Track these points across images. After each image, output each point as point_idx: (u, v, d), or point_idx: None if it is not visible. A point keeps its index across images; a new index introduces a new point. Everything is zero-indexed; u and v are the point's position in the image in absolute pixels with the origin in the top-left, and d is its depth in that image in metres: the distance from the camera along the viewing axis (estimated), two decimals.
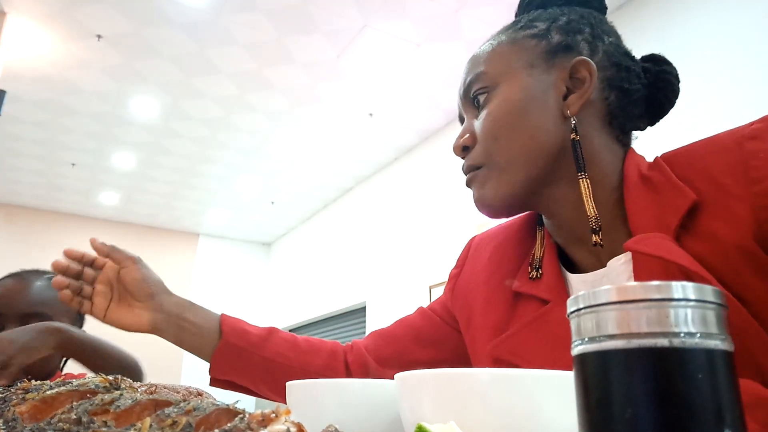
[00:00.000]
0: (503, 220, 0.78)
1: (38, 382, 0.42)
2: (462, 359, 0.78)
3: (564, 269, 0.67)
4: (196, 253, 7.40)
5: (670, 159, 0.61)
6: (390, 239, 5.19)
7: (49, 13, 3.43)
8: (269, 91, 4.21)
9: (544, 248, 0.69)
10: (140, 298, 0.76)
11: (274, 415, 0.29)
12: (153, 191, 6.16)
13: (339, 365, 0.81)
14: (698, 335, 0.25)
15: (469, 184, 0.69)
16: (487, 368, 0.41)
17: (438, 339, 0.81)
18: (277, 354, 0.78)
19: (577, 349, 0.27)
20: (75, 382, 0.40)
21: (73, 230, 6.75)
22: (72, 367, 1.16)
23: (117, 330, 0.77)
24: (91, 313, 0.77)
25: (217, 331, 0.77)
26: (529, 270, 0.69)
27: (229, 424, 0.30)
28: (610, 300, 0.26)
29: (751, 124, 0.57)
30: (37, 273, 1.21)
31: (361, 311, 5.56)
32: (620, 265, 0.61)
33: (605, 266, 0.62)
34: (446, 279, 0.84)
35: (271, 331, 0.80)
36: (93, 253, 0.78)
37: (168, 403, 0.35)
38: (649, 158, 0.64)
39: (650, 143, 0.81)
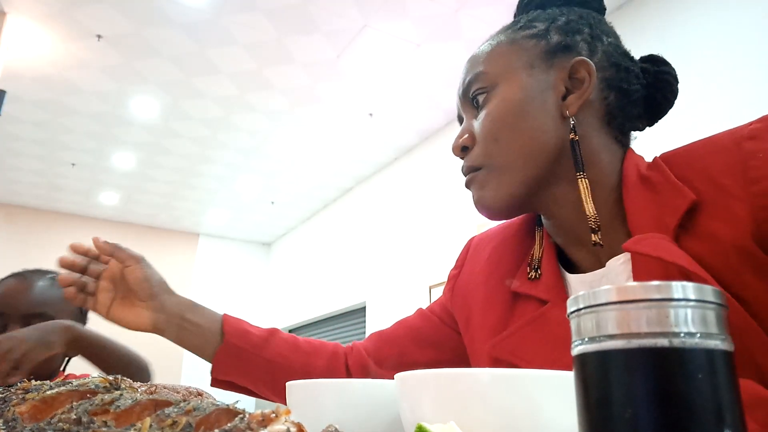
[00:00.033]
0: (503, 221, 0.78)
1: (38, 382, 0.42)
2: (461, 360, 0.78)
3: (563, 269, 0.67)
4: (196, 253, 7.40)
5: (669, 159, 0.61)
6: (390, 239, 5.19)
7: (49, 13, 3.43)
8: (269, 91, 4.21)
9: (543, 249, 0.69)
10: (143, 297, 0.76)
11: (274, 415, 0.29)
12: (153, 191, 6.16)
13: (340, 367, 0.81)
14: (698, 335, 0.25)
15: (468, 185, 0.68)
16: (487, 368, 0.41)
17: (437, 340, 0.81)
18: (278, 355, 0.78)
19: (577, 349, 0.27)
20: (75, 382, 0.40)
21: (73, 230, 6.75)
22: (73, 367, 1.16)
23: (117, 328, 0.77)
24: (94, 310, 0.77)
25: (219, 332, 0.77)
26: (528, 270, 0.69)
27: (229, 424, 0.30)
28: (610, 300, 0.26)
29: (750, 124, 0.57)
30: (40, 273, 1.21)
31: (361, 311, 5.56)
32: (619, 265, 0.61)
33: (604, 266, 0.62)
34: (446, 279, 0.84)
35: (273, 332, 0.80)
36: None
37: (168, 403, 0.35)
38: (649, 158, 0.64)
39: (650, 143, 0.81)
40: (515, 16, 0.74)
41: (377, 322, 5.17)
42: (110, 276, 0.77)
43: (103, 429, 0.32)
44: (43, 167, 5.59)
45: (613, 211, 0.63)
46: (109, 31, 3.59)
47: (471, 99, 0.69)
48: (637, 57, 0.70)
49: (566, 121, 0.63)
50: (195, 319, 0.77)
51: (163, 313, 0.76)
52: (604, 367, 0.26)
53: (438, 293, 4.27)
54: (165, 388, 0.54)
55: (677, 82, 0.69)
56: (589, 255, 0.65)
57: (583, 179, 0.62)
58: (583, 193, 0.61)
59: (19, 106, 4.43)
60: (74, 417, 0.33)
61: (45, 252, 6.31)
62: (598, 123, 0.65)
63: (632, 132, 0.69)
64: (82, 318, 1.23)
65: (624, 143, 0.67)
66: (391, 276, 5.07)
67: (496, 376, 0.38)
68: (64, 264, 0.76)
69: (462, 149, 0.68)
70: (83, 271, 0.77)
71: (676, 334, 0.25)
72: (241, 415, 0.30)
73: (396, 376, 0.43)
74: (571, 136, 0.62)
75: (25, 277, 1.18)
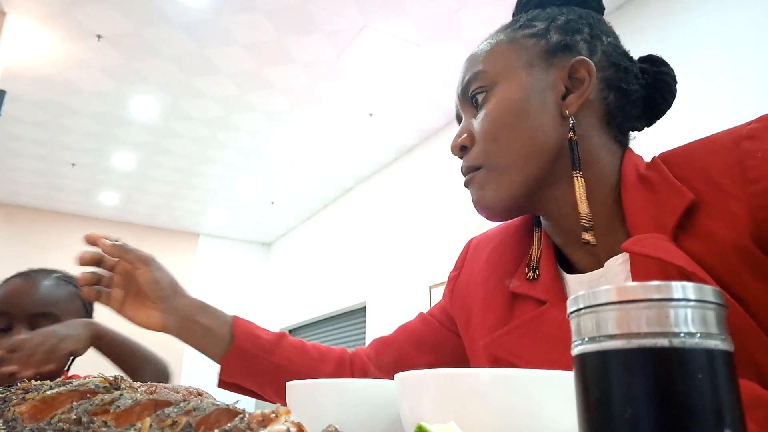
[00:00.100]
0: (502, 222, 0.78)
1: (38, 382, 0.42)
2: (460, 363, 0.77)
3: (561, 270, 0.67)
4: (196, 253, 7.40)
5: (667, 159, 0.61)
6: (390, 239, 5.19)
7: (49, 13, 3.43)
8: (269, 91, 4.21)
9: (542, 249, 0.69)
10: (154, 299, 0.75)
11: (274, 415, 0.29)
12: (153, 191, 6.17)
13: (346, 372, 0.81)
14: (698, 335, 0.25)
15: (467, 185, 0.68)
16: (487, 368, 0.41)
17: (437, 343, 0.81)
18: (286, 360, 0.78)
19: (577, 349, 0.27)
20: (75, 382, 0.40)
21: (73, 230, 6.74)
22: (76, 368, 1.17)
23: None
24: (108, 304, 0.76)
25: (229, 334, 0.77)
26: (526, 271, 0.69)
27: (229, 424, 0.30)
28: (610, 300, 0.26)
29: (749, 123, 0.57)
30: (45, 272, 1.21)
31: (361, 311, 5.56)
32: (618, 265, 0.61)
33: (603, 267, 0.62)
34: (446, 279, 0.84)
35: (281, 336, 0.80)
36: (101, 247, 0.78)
37: (168, 403, 0.35)
38: (648, 158, 0.64)
39: (650, 143, 0.81)
40: (514, 15, 0.74)
41: (377, 322, 5.18)
42: (123, 271, 0.77)
43: (103, 429, 0.32)
44: (43, 167, 5.59)
45: (612, 211, 0.63)
46: (109, 31, 3.59)
47: (470, 98, 0.68)
48: (637, 57, 0.70)
49: (566, 120, 0.63)
50: (205, 321, 0.77)
51: (173, 314, 0.75)
52: (604, 367, 0.26)
53: (438, 293, 4.28)
54: (165, 388, 0.54)
55: (676, 82, 0.69)
56: (587, 255, 0.65)
57: (579, 178, 0.61)
58: (578, 192, 0.61)
59: (19, 106, 4.43)
60: (74, 417, 0.33)
61: (45, 252, 6.32)
62: (597, 123, 0.65)
63: (631, 132, 0.69)
64: (88, 318, 1.23)
65: (623, 143, 0.67)
66: (391, 276, 5.07)
67: (496, 376, 0.38)
68: (84, 261, 0.75)
69: (461, 149, 0.68)
70: (98, 263, 0.77)
71: (676, 334, 0.25)
72: (241, 415, 0.30)
73: (396, 376, 0.43)
74: (570, 135, 0.62)
75: (31, 276, 1.18)
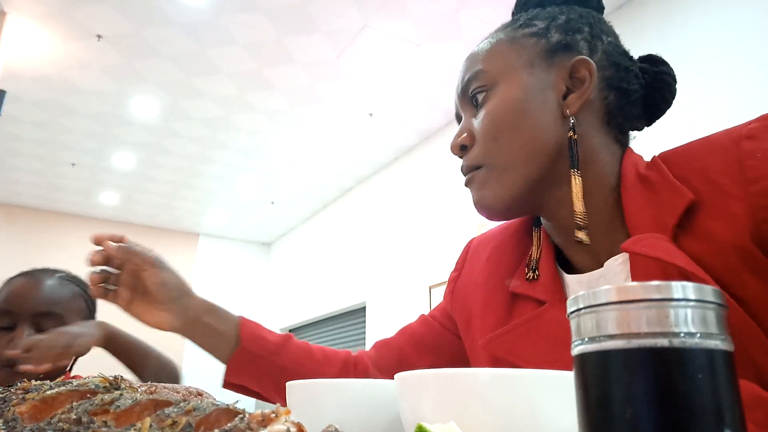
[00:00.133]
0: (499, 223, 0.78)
1: (38, 382, 0.41)
2: (461, 365, 0.77)
3: (561, 270, 0.67)
4: (196, 253, 7.40)
5: (667, 158, 0.61)
6: (390, 239, 5.19)
7: (49, 13, 3.43)
8: (269, 91, 4.21)
9: (542, 249, 0.69)
10: (161, 301, 0.75)
11: (274, 415, 0.29)
12: (153, 191, 6.17)
13: (350, 375, 0.81)
14: (698, 335, 0.25)
15: (468, 184, 0.68)
16: (487, 368, 0.41)
17: (437, 345, 0.81)
18: (292, 362, 0.77)
19: (577, 349, 0.27)
20: (75, 382, 0.40)
21: (73, 230, 6.74)
22: (79, 369, 1.17)
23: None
24: (115, 302, 0.76)
25: (235, 336, 0.77)
26: (526, 271, 0.69)
27: (229, 424, 0.30)
28: (610, 300, 0.26)
29: (749, 123, 0.57)
30: (48, 272, 1.21)
31: (361, 311, 5.56)
32: (617, 265, 0.61)
33: (603, 267, 0.62)
34: (446, 279, 0.84)
35: (287, 338, 0.80)
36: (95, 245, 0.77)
37: (168, 403, 0.35)
38: (647, 158, 0.64)
39: (650, 143, 0.81)
40: (513, 14, 0.74)
41: (377, 322, 5.18)
42: (131, 270, 0.76)
43: (103, 429, 0.32)
44: (43, 167, 5.59)
45: (612, 211, 0.63)
46: (109, 31, 3.59)
47: (470, 97, 0.68)
48: (636, 57, 0.70)
49: (566, 120, 0.63)
50: (212, 322, 0.76)
51: (181, 315, 0.75)
52: (604, 367, 0.26)
53: (438, 293, 4.28)
54: (165, 388, 0.53)
55: (675, 82, 0.69)
56: (587, 255, 0.65)
57: (576, 176, 0.61)
58: (575, 189, 0.61)
59: (19, 106, 4.43)
60: (74, 417, 0.33)
61: (45, 252, 6.32)
62: (597, 122, 0.65)
63: (631, 132, 0.69)
64: (91, 318, 1.24)
65: (623, 143, 0.67)
66: (391, 276, 5.07)
67: (496, 376, 0.38)
68: (95, 262, 0.74)
69: (461, 148, 0.67)
70: (107, 261, 0.76)
71: (676, 334, 0.25)
72: (241, 415, 0.30)
73: (396, 376, 0.43)
74: (570, 134, 0.62)
75: (34, 276, 1.19)
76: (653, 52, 0.71)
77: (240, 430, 0.29)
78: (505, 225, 0.78)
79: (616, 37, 0.69)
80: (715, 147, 0.57)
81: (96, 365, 1.08)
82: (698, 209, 0.56)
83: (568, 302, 0.29)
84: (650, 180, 0.60)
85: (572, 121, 0.62)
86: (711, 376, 0.24)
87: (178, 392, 0.55)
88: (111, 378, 0.41)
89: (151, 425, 0.32)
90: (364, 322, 5.42)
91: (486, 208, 0.66)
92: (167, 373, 1.17)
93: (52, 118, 4.65)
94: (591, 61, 0.63)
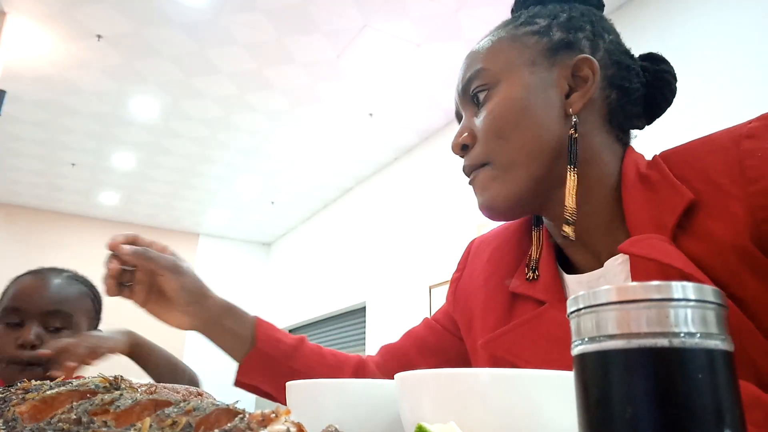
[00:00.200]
0: (501, 223, 0.78)
1: (38, 382, 0.41)
2: (465, 367, 0.77)
3: (561, 270, 0.67)
4: (196, 253, 7.40)
5: (668, 157, 0.61)
6: (390, 239, 5.19)
7: (49, 13, 3.43)
8: (269, 91, 4.21)
9: (542, 249, 0.69)
10: (179, 305, 0.74)
11: (274, 415, 0.29)
12: (153, 191, 6.16)
13: None
14: (698, 335, 0.25)
15: (471, 184, 0.68)
16: (487, 368, 0.41)
17: (440, 348, 0.81)
18: (305, 366, 0.78)
19: (577, 349, 0.27)
20: (75, 382, 0.40)
21: (73, 230, 6.75)
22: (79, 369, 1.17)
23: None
24: (131, 298, 0.74)
25: (251, 337, 0.77)
26: (526, 271, 0.69)
27: (229, 424, 0.30)
28: (610, 300, 0.26)
29: (749, 122, 0.57)
30: (56, 271, 1.22)
31: (361, 311, 5.56)
32: (617, 265, 0.61)
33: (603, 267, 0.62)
34: (446, 279, 0.84)
35: (301, 341, 0.80)
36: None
37: (168, 403, 0.35)
38: (647, 158, 0.64)
39: (650, 143, 0.81)
40: (513, 12, 0.73)
41: (377, 322, 5.17)
42: (147, 270, 0.74)
43: (103, 429, 0.32)
44: (43, 167, 5.59)
45: (613, 210, 0.63)
46: (109, 31, 3.59)
47: (471, 96, 0.67)
48: (637, 55, 0.70)
49: (569, 119, 0.62)
50: (228, 323, 0.76)
51: (199, 318, 0.75)
52: (604, 367, 0.26)
53: (438, 293, 4.28)
54: (165, 388, 0.53)
55: (676, 80, 0.69)
56: (588, 255, 0.65)
57: (572, 173, 0.61)
58: (569, 185, 0.61)
59: (19, 106, 4.43)
60: (74, 417, 0.33)
61: (45, 252, 6.32)
62: (599, 121, 0.64)
63: (632, 130, 0.69)
64: (97, 318, 1.25)
65: (624, 141, 0.67)
66: (391, 276, 5.07)
67: (496, 376, 0.38)
68: (114, 270, 0.72)
69: (462, 147, 0.67)
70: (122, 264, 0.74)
71: (676, 334, 0.25)
72: (241, 415, 0.30)
73: (396, 376, 0.43)
74: (571, 132, 0.62)
75: (42, 274, 1.20)
76: (651, 51, 0.71)
77: (240, 430, 0.29)
78: (505, 225, 0.78)
79: (617, 35, 0.68)
80: (715, 146, 0.57)
81: (96, 365, 1.08)
82: (698, 209, 0.55)
83: (568, 302, 0.29)
84: (650, 179, 0.60)
85: (574, 119, 0.62)
86: (711, 376, 0.24)
87: (178, 392, 0.55)
88: (111, 378, 0.41)
89: (151, 425, 0.32)
90: (364, 322, 5.41)
91: (490, 209, 0.65)
92: (189, 381, 1.19)
93: (52, 118, 4.65)
94: (594, 60, 0.63)
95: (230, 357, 0.78)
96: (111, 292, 0.73)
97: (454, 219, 4.33)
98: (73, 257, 5.65)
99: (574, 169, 0.61)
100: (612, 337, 0.26)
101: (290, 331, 6.71)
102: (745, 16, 2.62)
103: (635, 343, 0.25)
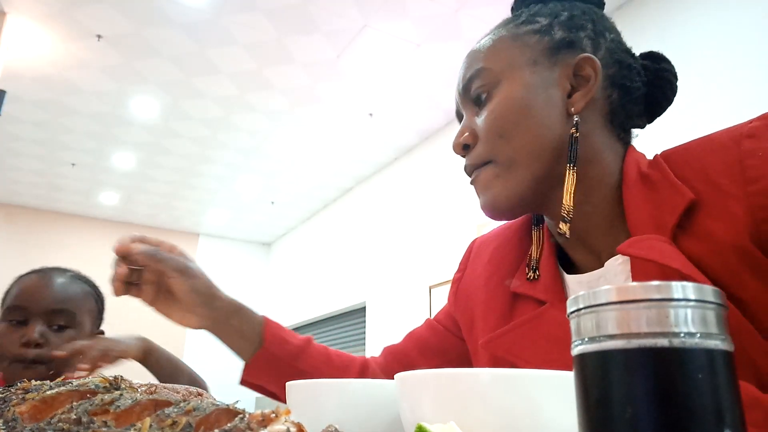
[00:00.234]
0: (503, 222, 0.78)
1: (38, 382, 0.41)
2: (467, 367, 0.77)
3: (562, 270, 0.67)
4: (196, 253, 7.40)
5: (669, 157, 0.61)
6: (390, 239, 5.19)
7: (49, 13, 3.43)
8: (269, 91, 4.21)
9: (543, 249, 0.69)
10: (189, 305, 0.73)
11: (274, 415, 0.29)
12: (153, 191, 6.16)
13: None
14: (698, 335, 0.25)
15: (473, 183, 0.67)
16: (487, 368, 0.41)
17: (442, 349, 0.81)
18: (311, 367, 0.78)
19: (577, 349, 0.27)
20: (75, 382, 0.40)
21: (73, 230, 6.75)
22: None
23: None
24: (138, 296, 0.74)
25: (258, 337, 0.77)
26: (527, 271, 0.68)
27: (229, 424, 0.30)
28: (610, 300, 0.26)
29: (750, 122, 0.56)
30: (60, 270, 1.23)
31: (361, 311, 5.56)
32: (617, 265, 0.61)
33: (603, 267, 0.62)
34: (447, 279, 0.84)
35: (308, 342, 0.80)
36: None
37: (168, 403, 0.35)
38: (649, 157, 0.64)
39: (650, 142, 0.81)
40: (513, 10, 0.73)
41: (377, 322, 5.17)
42: (155, 271, 0.73)
43: (103, 429, 0.32)
44: (43, 167, 5.59)
45: (614, 210, 0.63)
46: (109, 31, 3.59)
47: (472, 96, 0.67)
48: (637, 54, 0.70)
49: (570, 118, 0.62)
50: (237, 323, 0.76)
51: (208, 318, 0.74)
52: (604, 367, 0.26)
53: (438, 293, 4.28)
54: (165, 388, 0.53)
55: (677, 79, 0.69)
56: (589, 255, 0.65)
57: (571, 171, 0.61)
58: (567, 184, 0.61)
59: (19, 106, 4.43)
60: (74, 417, 0.33)
61: (45, 252, 6.32)
62: (601, 121, 0.64)
63: (633, 129, 0.69)
64: (100, 317, 1.26)
65: (626, 141, 0.66)
66: (391, 276, 5.07)
67: (496, 376, 0.38)
68: (122, 274, 0.71)
69: (463, 147, 0.67)
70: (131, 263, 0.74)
71: (676, 334, 0.25)
72: (241, 415, 0.30)
73: (396, 376, 0.43)
74: (572, 131, 0.62)
75: (46, 273, 1.20)
76: (651, 50, 0.71)
77: (240, 430, 0.29)
78: (506, 225, 0.78)
79: (618, 34, 0.68)
80: (716, 146, 0.57)
81: (108, 368, 1.09)
82: (698, 209, 0.55)
83: (568, 302, 0.29)
84: (651, 179, 0.59)
85: (576, 119, 0.62)
86: (711, 376, 0.24)
87: (178, 392, 0.55)
88: (111, 378, 0.41)
89: (151, 425, 0.32)
90: (364, 322, 5.41)
91: (492, 208, 0.65)
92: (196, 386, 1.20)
93: (52, 118, 4.65)
94: (596, 59, 0.63)
95: (237, 356, 0.78)
96: (119, 293, 0.72)
97: (454, 219, 4.33)
98: (73, 257, 5.66)
99: (573, 168, 0.61)
100: (612, 337, 0.26)
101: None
102: (746, 16, 2.62)
103: (635, 343, 0.25)
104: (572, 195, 0.61)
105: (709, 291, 0.26)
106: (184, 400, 0.35)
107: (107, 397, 0.36)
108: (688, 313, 0.25)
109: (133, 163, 5.46)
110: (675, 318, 0.25)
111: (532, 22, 0.66)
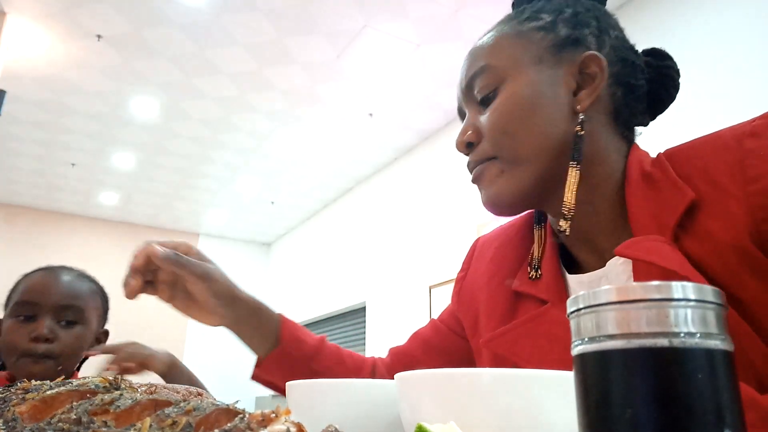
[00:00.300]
0: (504, 220, 0.78)
1: (38, 382, 0.41)
2: (471, 367, 0.77)
3: (564, 269, 0.67)
4: None
5: (672, 156, 0.60)
6: (390, 239, 5.19)
7: (49, 13, 3.43)
8: (269, 91, 4.21)
9: (545, 248, 0.69)
10: (209, 307, 0.73)
11: (274, 415, 0.29)
12: (153, 191, 6.16)
13: None
14: (698, 335, 0.25)
15: (476, 180, 0.67)
16: (487, 368, 0.41)
17: (446, 349, 0.81)
18: (325, 368, 0.78)
19: (577, 349, 0.27)
20: (75, 382, 0.40)
21: (73, 230, 6.75)
22: (85, 370, 1.17)
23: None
24: (155, 294, 0.73)
25: (275, 336, 0.77)
26: (529, 270, 0.68)
27: (229, 424, 0.30)
28: (610, 300, 0.26)
29: (753, 120, 0.56)
30: (66, 268, 1.24)
31: (361, 311, 5.56)
32: (619, 265, 0.60)
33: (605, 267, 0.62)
34: (447, 279, 0.84)
35: (322, 342, 0.80)
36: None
37: (168, 403, 0.35)
38: (652, 155, 0.64)
39: (651, 141, 0.81)
40: (514, 6, 0.73)
41: (377, 322, 5.17)
42: (171, 272, 0.72)
43: (103, 429, 0.32)
44: (43, 167, 5.59)
45: (617, 209, 0.62)
46: (109, 31, 3.59)
47: (475, 94, 0.66)
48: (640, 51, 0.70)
49: (576, 116, 0.62)
50: (256, 323, 0.77)
51: (227, 318, 0.75)
52: (604, 367, 0.26)
53: (438, 293, 4.28)
54: (165, 388, 0.53)
55: (679, 76, 0.69)
56: (592, 254, 0.65)
57: (574, 169, 0.61)
58: (569, 181, 0.60)
59: (19, 106, 4.43)
60: (74, 417, 0.33)
61: (45, 252, 6.32)
62: (605, 119, 0.64)
63: (636, 127, 0.68)
64: (105, 316, 1.27)
65: (629, 139, 0.66)
66: (391, 276, 5.07)
67: (496, 376, 0.38)
68: (135, 288, 0.69)
69: (467, 145, 0.66)
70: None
71: (676, 334, 0.25)
72: (241, 415, 0.30)
73: (396, 376, 0.43)
74: (577, 129, 0.61)
75: (54, 270, 1.21)
76: (654, 47, 0.71)
77: (240, 430, 0.29)
78: (509, 224, 0.78)
79: (621, 31, 0.68)
80: (718, 144, 0.57)
81: (96, 365, 1.09)
82: (699, 208, 0.55)
83: (568, 302, 0.29)
84: (653, 178, 0.59)
85: (582, 117, 0.61)
86: (711, 376, 0.24)
87: (178, 392, 0.55)
88: (111, 378, 0.41)
89: (151, 425, 0.32)
90: (364, 322, 5.41)
91: (495, 204, 0.65)
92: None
93: (52, 118, 4.65)
94: (602, 57, 0.62)
95: (252, 351, 0.79)
96: (132, 296, 0.70)
97: (454, 219, 4.33)
98: (73, 257, 5.65)
99: (576, 165, 0.61)
100: (612, 337, 0.26)
101: None
102: (746, 15, 2.62)
103: (635, 343, 0.25)
104: (575, 192, 0.60)
105: (709, 291, 0.26)
106: (184, 400, 0.35)
107: (107, 397, 0.36)
108: (688, 313, 0.25)
109: (133, 163, 5.46)
110: (675, 318, 0.25)
111: (535, 19, 0.65)
